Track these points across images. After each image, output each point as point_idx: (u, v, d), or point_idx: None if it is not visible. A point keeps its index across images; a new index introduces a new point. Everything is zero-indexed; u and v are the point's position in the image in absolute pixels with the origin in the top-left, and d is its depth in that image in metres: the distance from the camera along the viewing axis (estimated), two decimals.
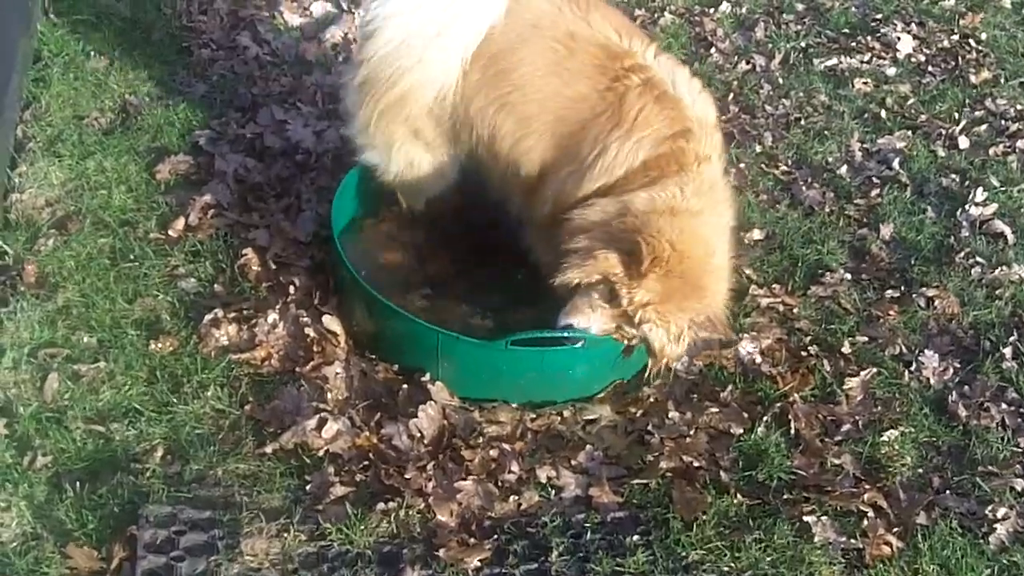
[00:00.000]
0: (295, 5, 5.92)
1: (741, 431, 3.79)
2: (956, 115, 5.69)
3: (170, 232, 4.32)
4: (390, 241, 4.43)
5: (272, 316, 3.95)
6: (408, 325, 3.72)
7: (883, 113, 5.65)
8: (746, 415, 3.85)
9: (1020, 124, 5.63)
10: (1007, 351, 4.20)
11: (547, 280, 3.64)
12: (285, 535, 3.26)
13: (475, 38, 3.66)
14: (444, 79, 3.71)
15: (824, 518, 3.49)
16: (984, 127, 5.62)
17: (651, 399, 3.92)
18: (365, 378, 3.85)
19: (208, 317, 3.92)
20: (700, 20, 6.30)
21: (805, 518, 3.48)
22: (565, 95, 3.67)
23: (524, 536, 3.38)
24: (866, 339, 4.22)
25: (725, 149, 3.80)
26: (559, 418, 3.83)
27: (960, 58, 6.22)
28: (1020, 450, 3.85)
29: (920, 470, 3.76)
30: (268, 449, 3.52)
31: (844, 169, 5.19)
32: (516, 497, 3.50)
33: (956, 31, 6.49)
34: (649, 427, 3.78)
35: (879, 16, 6.58)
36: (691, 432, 3.78)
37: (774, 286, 4.42)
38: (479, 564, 3.26)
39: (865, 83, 5.87)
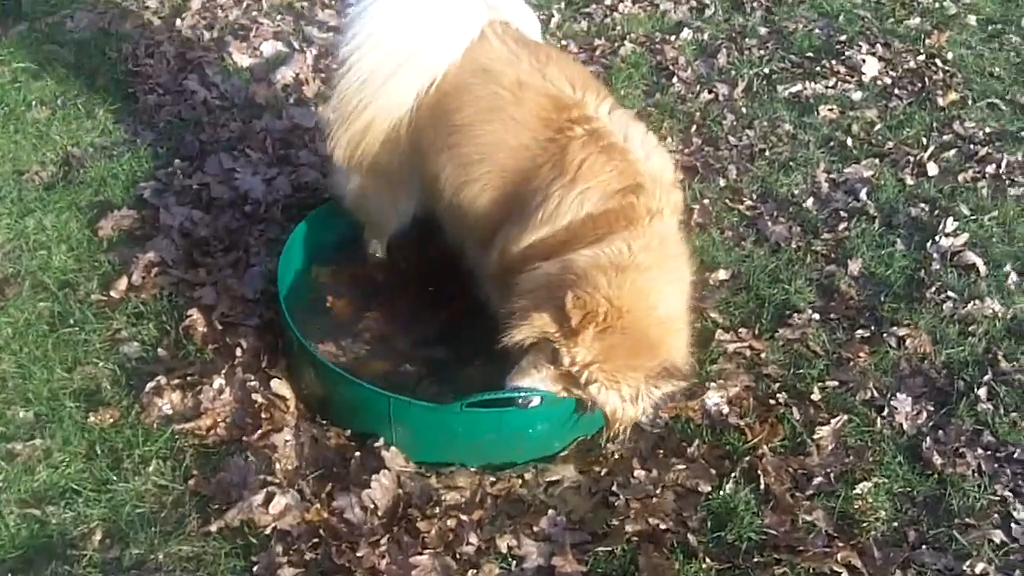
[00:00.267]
0: (244, 45, 5.77)
1: (709, 488, 3.64)
2: (924, 140, 5.57)
3: (112, 293, 4.17)
4: (341, 290, 4.28)
5: (218, 381, 3.80)
6: (358, 390, 3.56)
7: (849, 141, 5.52)
8: (714, 471, 3.69)
9: (989, 148, 5.51)
10: (982, 392, 4.06)
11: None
12: None
13: (432, 73, 3.62)
14: (399, 111, 3.70)
15: None
16: (953, 152, 5.49)
17: (616, 456, 3.76)
18: (316, 445, 3.69)
19: (150, 385, 3.77)
20: (661, 48, 6.17)
21: None
22: (508, 144, 3.55)
23: None
24: (836, 383, 4.08)
25: (682, 207, 3.65)
26: (520, 480, 3.67)
27: (927, 79, 6.11)
28: (997, 498, 3.71)
29: (895, 524, 3.61)
30: (213, 528, 3.36)
31: (810, 201, 5.06)
32: (475, 571, 3.33)
33: (922, 51, 6.39)
34: (614, 487, 3.62)
35: (843, 38, 6.48)
36: (657, 491, 3.62)
37: (740, 330, 4.28)
38: None
39: (831, 109, 5.75)
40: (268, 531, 3.35)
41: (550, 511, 3.53)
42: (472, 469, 3.66)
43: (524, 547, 3.42)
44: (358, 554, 3.29)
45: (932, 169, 5.34)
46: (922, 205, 5.09)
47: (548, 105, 3.53)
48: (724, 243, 4.76)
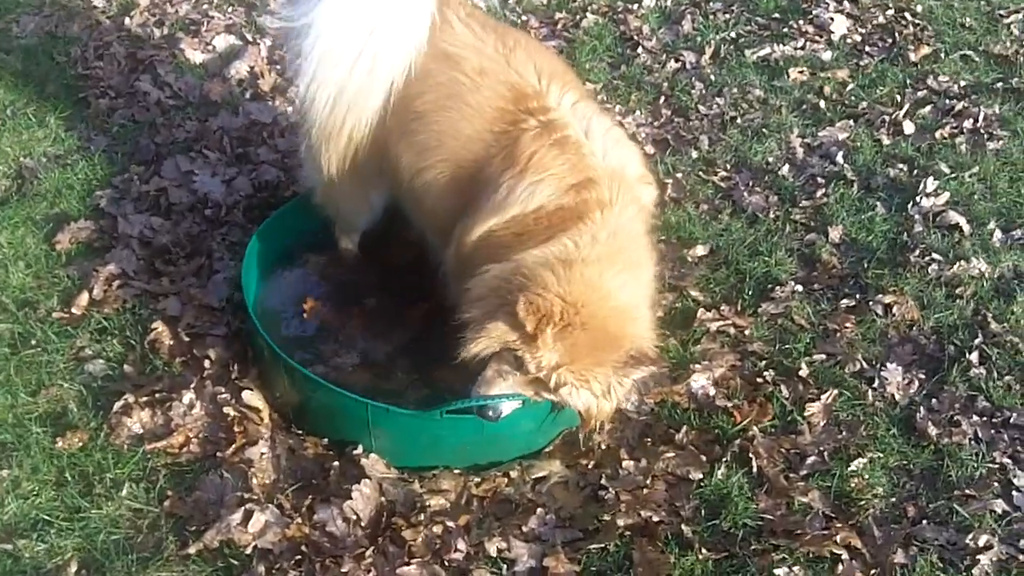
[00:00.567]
0: (196, 41, 5.59)
1: (700, 475, 3.54)
2: (898, 98, 5.47)
3: (73, 309, 4.03)
4: (312, 293, 4.15)
5: (188, 396, 3.67)
6: (335, 398, 3.44)
7: (822, 103, 5.41)
8: (704, 457, 3.60)
9: (965, 102, 5.41)
10: (973, 356, 3.97)
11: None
12: None
13: (399, 70, 3.50)
14: (374, 113, 3.58)
15: (796, 568, 3.25)
16: (928, 108, 5.39)
17: (603, 447, 3.66)
18: (293, 456, 3.58)
19: (118, 404, 3.64)
20: (624, 18, 6.03)
21: (776, 571, 3.23)
22: (463, 132, 3.45)
23: None
24: (824, 357, 3.98)
25: (651, 201, 3.54)
26: (506, 479, 3.56)
27: (897, 34, 5.99)
28: (996, 465, 3.62)
29: (893, 499, 3.52)
30: (192, 550, 3.23)
31: (786, 168, 4.94)
32: None
33: (891, 5, 6.27)
34: (603, 480, 3.52)
35: None
36: (648, 482, 3.52)
37: (722, 307, 4.17)
38: None
39: (801, 72, 5.63)
40: (249, 550, 3.23)
41: (539, 509, 3.44)
42: (456, 471, 3.55)
43: (514, 549, 3.32)
44: (343, 569, 3.18)
45: (908, 127, 5.24)
46: (900, 166, 4.98)
47: (507, 94, 3.41)
48: (700, 217, 4.65)
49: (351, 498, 3.36)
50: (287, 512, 3.35)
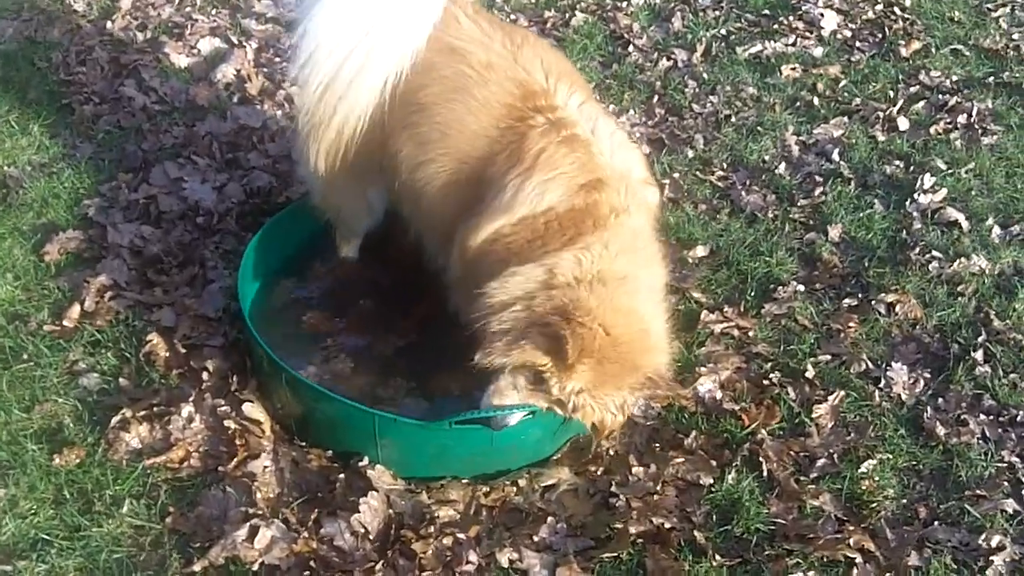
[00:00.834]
0: (181, 45, 5.50)
1: (711, 480, 3.51)
2: (891, 93, 5.46)
3: (65, 322, 3.93)
4: (309, 301, 4.10)
5: (186, 410, 3.59)
6: (340, 408, 3.37)
7: (815, 100, 5.39)
8: (714, 462, 3.56)
9: (958, 97, 5.41)
10: (978, 355, 3.96)
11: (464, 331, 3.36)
12: None
13: (397, 66, 3.42)
14: (369, 108, 3.50)
15: (811, 573, 3.22)
16: (921, 104, 5.39)
17: (611, 453, 3.61)
18: (297, 469, 3.50)
19: (116, 419, 3.55)
20: (614, 16, 5.99)
21: None
22: (468, 126, 3.39)
23: None
24: (829, 357, 3.96)
25: (656, 205, 3.49)
26: (515, 488, 3.51)
27: (887, 29, 5.98)
28: (1005, 464, 3.61)
29: (904, 501, 3.50)
30: (197, 568, 3.15)
31: (783, 167, 4.92)
32: None
33: (879, 0, 6.24)
34: (612, 487, 3.47)
35: None
36: (658, 488, 3.48)
37: (725, 308, 4.14)
38: None
39: (793, 69, 5.61)
40: (256, 567, 3.16)
41: (549, 518, 3.38)
42: (464, 481, 3.50)
43: (526, 560, 3.27)
44: None
45: (903, 124, 5.23)
46: (897, 162, 4.97)
47: (515, 90, 3.35)
48: (699, 218, 4.61)
49: (358, 511, 3.29)
50: (293, 527, 3.28)
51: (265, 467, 3.46)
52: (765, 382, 3.86)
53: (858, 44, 5.89)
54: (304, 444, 3.57)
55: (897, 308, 4.17)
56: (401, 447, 3.42)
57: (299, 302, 4.06)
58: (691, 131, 5.16)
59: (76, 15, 5.73)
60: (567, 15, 5.99)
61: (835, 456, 3.61)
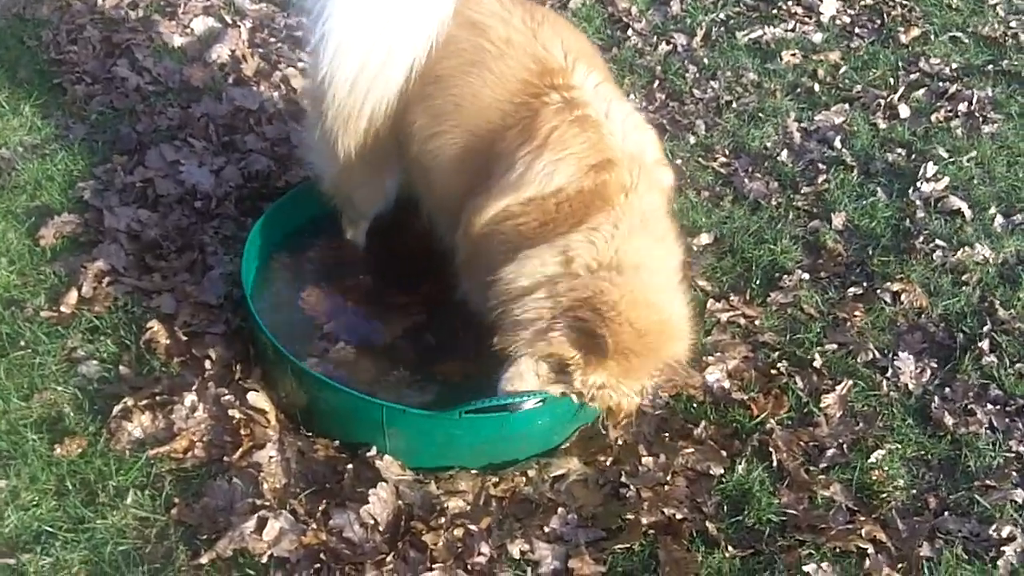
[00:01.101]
0: (174, 24, 5.40)
1: (721, 471, 3.48)
2: (892, 81, 5.44)
3: (62, 308, 3.84)
4: (312, 287, 4.01)
5: (189, 399, 3.52)
6: (348, 399, 3.32)
7: (816, 86, 5.37)
8: (724, 452, 3.54)
9: (958, 84, 5.40)
10: (984, 344, 3.96)
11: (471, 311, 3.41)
12: None
13: (425, 44, 3.39)
14: (394, 93, 3.47)
15: (824, 564, 3.21)
16: (922, 91, 5.37)
17: (620, 442, 3.58)
18: (303, 459, 3.45)
19: (117, 408, 3.48)
20: None
21: (804, 567, 3.19)
22: (482, 99, 3.34)
23: None
24: (835, 346, 3.95)
25: (670, 185, 3.44)
26: (524, 479, 3.47)
27: (886, 15, 5.96)
28: (1013, 454, 3.62)
29: (914, 491, 3.50)
30: (204, 560, 3.10)
31: (785, 154, 4.89)
32: None
33: None
34: (623, 477, 3.44)
35: None
36: (668, 478, 3.46)
37: (731, 297, 4.12)
38: None
39: (793, 55, 5.58)
40: (265, 559, 3.11)
41: (559, 509, 3.35)
42: (473, 471, 3.46)
43: (537, 551, 3.24)
44: None
45: (904, 111, 5.22)
46: (899, 150, 4.96)
47: (532, 67, 3.31)
48: (702, 205, 4.58)
49: (368, 502, 3.25)
50: (302, 518, 3.23)
51: (271, 457, 3.41)
52: (773, 371, 3.84)
53: (857, 30, 5.86)
54: (310, 434, 3.51)
55: (902, 297, 4.16)
56: (410, 437, 3.38)
57: (301, 287, 3.98)
58: (692, 117, 5.12)
59: None
60: None
61: (844, 446, 3.60)
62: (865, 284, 4.23)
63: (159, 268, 4.04)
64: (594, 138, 3.20)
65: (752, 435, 3.60)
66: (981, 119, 5.19)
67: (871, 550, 3.27)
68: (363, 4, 3.34)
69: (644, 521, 3.31)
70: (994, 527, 3.36)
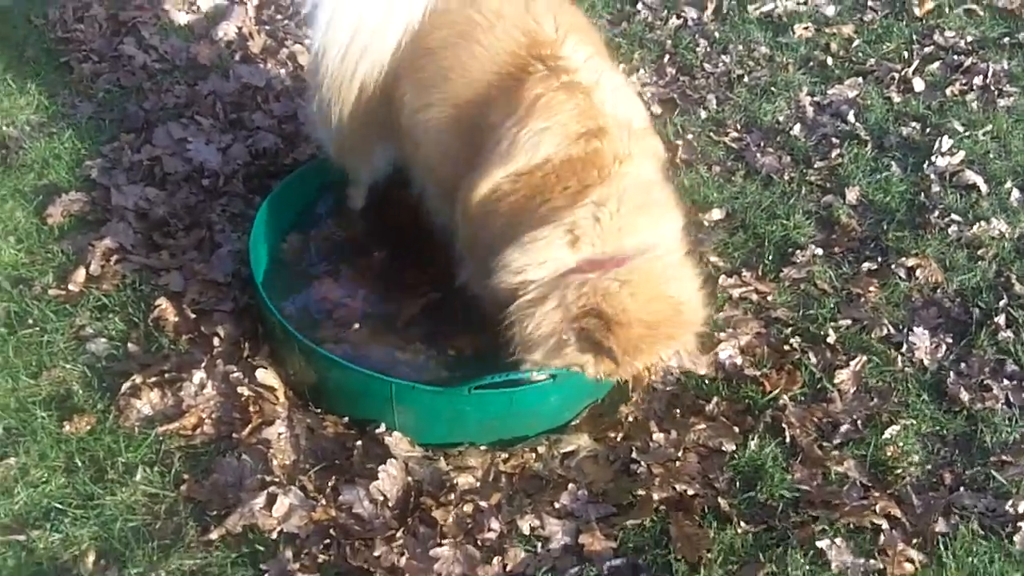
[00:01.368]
0: (180, 1, 5.38)
1: (733, 447, 3.45)
2: (906, 54, 5.37)
3: (71, 286, 3.83)
4: (319, 264, 4.00)
5: (198, 376, 3.51)
6: (356, 377, 3.30)
7: (829, 60, 5.30)
8: (736, 428, 3.51)
9: (973, 57, 5.33)
10: (1000, 319, 3.90)
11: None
12: None
13: (417, 12, 3.39)
14: (385, 62, 3.47)
15: (837, 539, 3.17)
16: (937, 64, 5.30)
17: (631, 419, 3.55)
18: (313, 436, 3.43)
19: (126, 385, 3.47)
20: None
21: (817, 543, 3.15)
22: (469, 71, 3.29)
23: None
24: (849, 322, 3.90)
25: (660, 154, 3.36)
26: (534, 455, 3.45)
27: None
28: None
29: (929, 467, 3.46)
30: (214, 535, 3.10)
31: (797, 128, 4.84)
32: (499, 557, 3.11)
33: None
34: (633, 453, 3.42)
35: None
36: (679, 454, 3.43)
37: (743, 272, 4.07)
38: None
39: (806, 28, 5.51)
40: (275, 535, 3.10)
41: (570, 485, 3.33)
42: (482, 447, 3.44)
43: (548, 527, 3.22)
44: (375, 552, 3.05)
45: (918, 85, 5.15)
46: (913, 124, 4.90)
47: (521, 39, 3.24)
48: (714, 180, 4.53)
49: (377, 478, 3.23)
50: (311, 494, 3.22)
51: (280, 434, 3.39)
52: (785, 347, 3.80)
53: (871, 3, 5.79)
54: (319, 410, 3.50)
55: (917, 272, 4.11)
56: (419, 414, 3.36)
57: (310, 265, 3.96)
58: (703, 91, 5.06)
59: None
60: None
61: (858, 422, 3.56)
62: (879, 259, 4.18)
63: (167, 246, 4.03)
64: (583, 104, 3.12)
65: (765, 411, 3.56)
66: (996, 92, 5.12)
67: (885, 526, 3.23)
68: None
69: (655, 497, 3.28)
70: (1010, 503, 3.31)
